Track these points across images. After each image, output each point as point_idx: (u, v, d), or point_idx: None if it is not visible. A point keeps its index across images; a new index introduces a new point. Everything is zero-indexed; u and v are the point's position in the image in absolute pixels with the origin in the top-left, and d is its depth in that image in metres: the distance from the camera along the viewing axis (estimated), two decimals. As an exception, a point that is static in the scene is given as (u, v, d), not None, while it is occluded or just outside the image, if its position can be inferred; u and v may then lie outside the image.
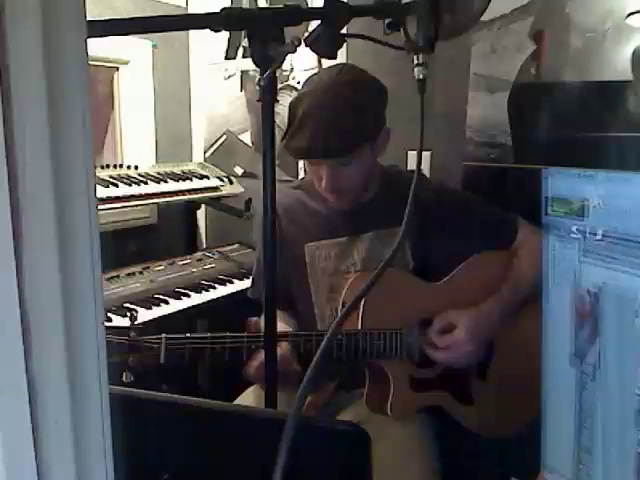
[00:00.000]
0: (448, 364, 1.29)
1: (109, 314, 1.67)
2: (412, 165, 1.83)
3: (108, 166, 2.02)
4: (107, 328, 1.19)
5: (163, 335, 1.21)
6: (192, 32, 2.40)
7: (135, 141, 2.33)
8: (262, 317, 0.95)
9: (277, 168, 0.90)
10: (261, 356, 1.03)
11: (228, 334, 1.21)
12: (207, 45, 2.40)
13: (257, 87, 0.84)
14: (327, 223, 1.42)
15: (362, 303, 1.26)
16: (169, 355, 1.20)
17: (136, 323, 1.25)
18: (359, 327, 1.26)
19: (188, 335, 1.22)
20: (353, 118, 1.22)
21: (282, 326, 1.37)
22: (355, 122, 1.22)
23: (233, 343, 1.21)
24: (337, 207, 1.39)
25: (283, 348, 1.20)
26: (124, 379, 1.17)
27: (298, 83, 2.19)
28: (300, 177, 2.20)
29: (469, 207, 1.44)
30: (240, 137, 2.41)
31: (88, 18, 0.40)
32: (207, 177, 2.25)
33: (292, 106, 1.27)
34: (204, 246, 2.50)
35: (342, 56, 1.86)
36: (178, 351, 1.20)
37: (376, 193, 1.41)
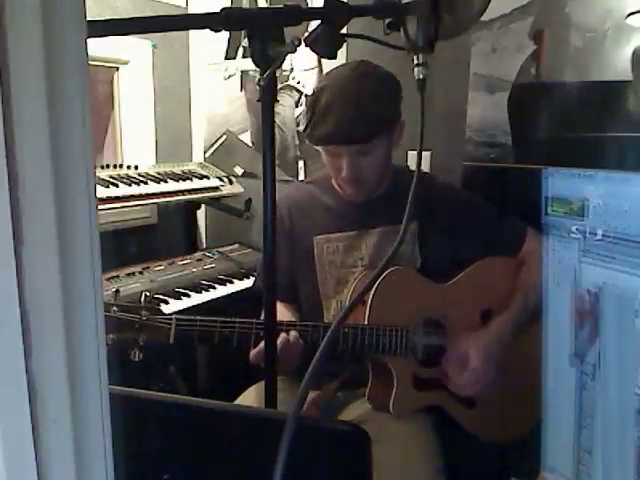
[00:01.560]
0: (481, 393, 1.29)
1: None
2: (412, 165, 1.83)
3: (108, 166, 2.02)
4: (120, 306, 1.20)
5: (174, 316, 1.24)
6: (192, 32, 2.39)
7: (135, 141, 2.33)
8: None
9: (277, 168, 0.90)
10: None
11: (237, 319, 1.23)
12: (207, 45, 2.39)
13: (257, 87, 0.84)
14: (337, 216, 1.44)
15: (370, 299, 1.27)
16: (178, 336, 1.22)
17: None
18: (366, 322, 1.26)
19: (198, 317, 1.24)
20: (374, 107, 1.26)
21: (289, 316, 1.39)
22: (376, 111, 1.26)
23: (242, 329, 1.22)
24: (354, 199, 1.41)
25: (292, 335, 1.22)
26: (133, 357, 1.19)
27: (298, 83, 2.19)
28: (300, 178, 2.21)
29: (478, 210, 1.46)
30: (240, 137, 2.40)
31: (88, 18, 0.40)
32: (207, 177, 2.25)
33: (313, 98, 1.31)
34: (204, 246, 2.50)
35: (342, 56, 1.86)
36: (188, 332, 1.22)
37: (387, 189, 1.43)
